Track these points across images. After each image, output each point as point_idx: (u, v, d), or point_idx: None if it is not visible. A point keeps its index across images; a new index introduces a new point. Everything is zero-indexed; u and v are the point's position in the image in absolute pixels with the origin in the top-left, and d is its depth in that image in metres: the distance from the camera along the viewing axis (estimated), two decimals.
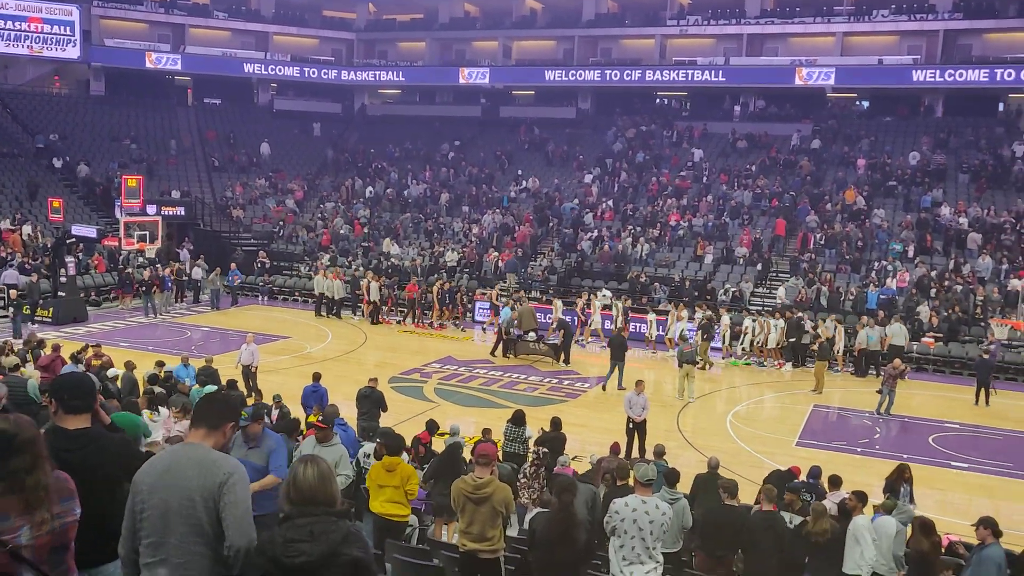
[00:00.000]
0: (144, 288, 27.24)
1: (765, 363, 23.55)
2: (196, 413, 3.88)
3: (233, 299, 29.51)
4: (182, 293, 29.84)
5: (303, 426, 11.30)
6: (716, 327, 23.69)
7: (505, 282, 29.44)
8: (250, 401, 14.86)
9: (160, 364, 15.21)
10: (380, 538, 8.01)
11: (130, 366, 14.74)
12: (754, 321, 23.91)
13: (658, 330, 24.77)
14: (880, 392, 19.07)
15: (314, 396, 14.06)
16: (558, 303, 26.13)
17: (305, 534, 3.23)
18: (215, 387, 13.57)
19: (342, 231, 34.81)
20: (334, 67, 46.71)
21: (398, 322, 27.55)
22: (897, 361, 19.38)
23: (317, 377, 14.66)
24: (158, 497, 3.54)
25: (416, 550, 8.01)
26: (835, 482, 10.34)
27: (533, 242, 32.22)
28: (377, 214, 36.72)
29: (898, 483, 11.22)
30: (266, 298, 30.80)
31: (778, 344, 23.38)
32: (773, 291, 27.59)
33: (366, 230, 34.95)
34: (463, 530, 7.01)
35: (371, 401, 13.76)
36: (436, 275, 29.68)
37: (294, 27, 46.88)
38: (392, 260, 31.33)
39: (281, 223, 36.15)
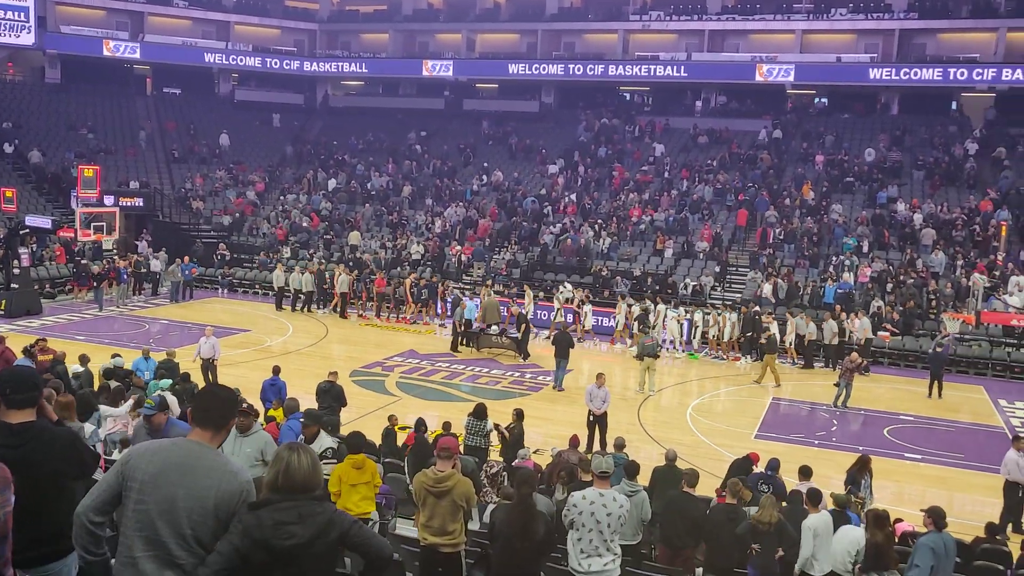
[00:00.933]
0: (96, 281, 26.75)
1: (724, 357, 23.83)
2: (201, 412, 3.68)
3: (188, 292, 29.04)
4: (140, 285, 29.40)
5: (262, 420, 11.20)
6: (652, 318, 23.90)
7: (470, 274, 29.44)
8: None
9: (116, 357, 14.99)
10: None
11: (84, 360, 14.50)
12: (707, 315, 24.18)
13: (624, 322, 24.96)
14: (837, 385, 19.39)
15: (272, 390, 13.94)
16: (529, 294, 26.20)
17: (294, 516, 3.32)
18: (171, 381, 13.40)
19: (304, 223, 34.54)
20: (296, 58, 46.25)
21: (359, 315, 27.37)
22: (855, 355, 19.71)
23: (276, 371, 14.55)
24: (162, 493, 3.40)
25: None
26: (805, 472, 10.48)
27: (501, 235, 32.18)
28: (337, 206, 36.46)
29: (860, 475, 11.43)
30: (226, 291, 30.48)
31: (731, 338, 23.69)
32: (736, 285, 27.96)
33: (324, 223, 34.64)
34: (424, 524, 7.01)
35: (331, 395, 13.70)
36: (400, 268, 29.60)
37: (256, 17, 46.33)
38: (357, 254, 31.14)
39: (239, 214, 35.75)
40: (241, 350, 21.79)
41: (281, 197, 37.85)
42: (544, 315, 26.15)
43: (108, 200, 30.52)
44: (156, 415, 6.63)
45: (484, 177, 37.58)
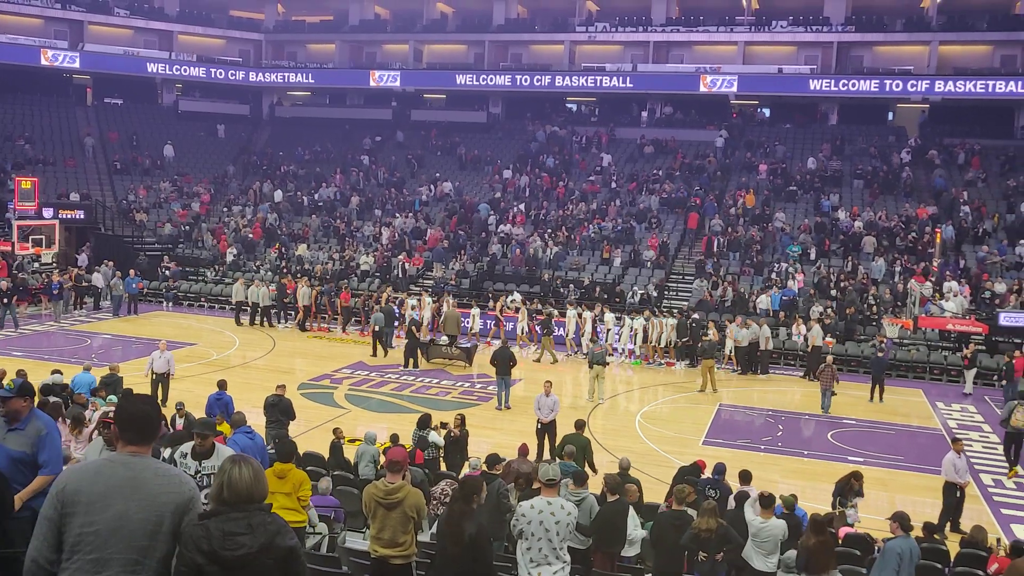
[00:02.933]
0: (6, 297, 24.98)
1: (659, 362, 24.24)
2: (127, 425, 3.59)
3: (133, 305, 28.43)
4: (81, 299, 28.73)
5: None
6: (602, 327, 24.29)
7: (432, 272, 29.34)
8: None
9: (55, 373, 14.64)
10: None
11: (21, 375, 14.10)
12: (647, 321, 24.50)
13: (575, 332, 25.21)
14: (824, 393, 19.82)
15: (219, 404, 13.72)
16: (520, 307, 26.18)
17: (243, 527, 3.31)
18: (115, 397, 13.13)
19: (250, 236, 34.12)
20: (242, 68, 45.75)
21: (320, 329, 27.00)
22: (829, 358, 20.27)
23: (223, 385, 14.32)
24: (114, 511, 3.34)
25: (324, 558, 7.94)
26: (745, 477, 10.68)
27: (454, 246, 32.17)
28: (288, 218, 36.11)
29: (848, 489, 11.76)
30: (171, 304, 29.95)
31: (667, 344, 24.09)
32: (682, 293, 28.36)
33: (262, 237, 34.15)
34: (374, 536, 6.97)
35: (279, 409, 13.54)
36: (348, 280, 29.43)
37: (200, 27, 45.72)
38: (304, 265, 30.85)
39: (188, 226, 35.19)
40: (187, 364, 21.39)
41: (227, 209, 37.35)
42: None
43: (47, 212, 29.83)
44: (12, 399, 5.51)
45: (433, 187, 37.55)
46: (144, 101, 45.06)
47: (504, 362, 18.82)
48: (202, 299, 30.52)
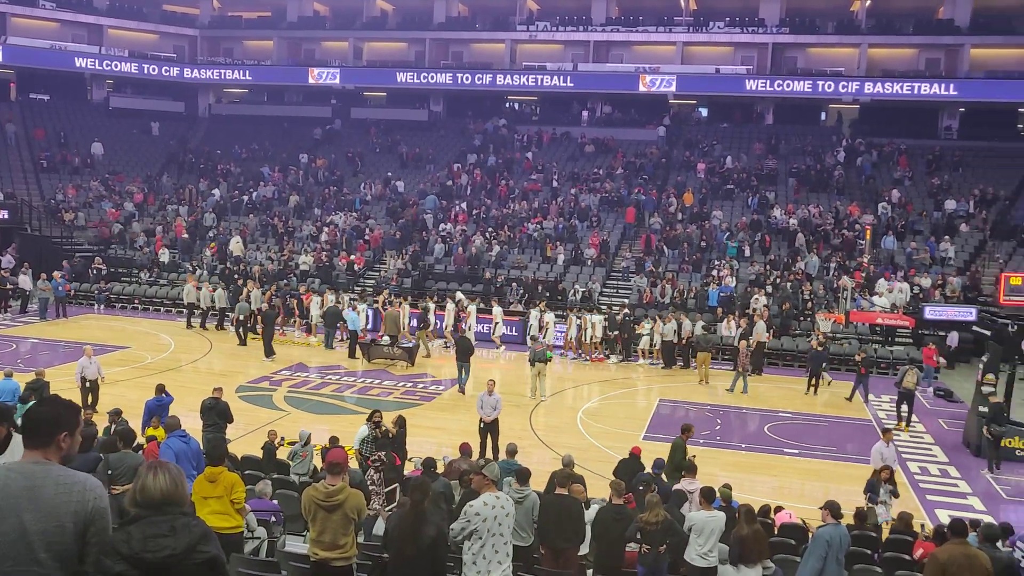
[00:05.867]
0: None
1: (588, 358, 24.62)
2: (25, 431, 3.50)
3: (61, 308, 27.62)
4: (6, 303, 27.84)
5: (142, 439, 10.82)
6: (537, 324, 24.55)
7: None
8: (90, 417, 14.04)
9: None
10: None
11: None
12: (579, 318, 24.76)
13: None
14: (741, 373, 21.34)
15: (157, 408, 13.46)
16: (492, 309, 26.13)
17: (166, 529, 3.23)
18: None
19: (185, 236, 33.44)
20: (176, 64, 44.83)
21: (279, 333, 26.52)
22: (742, 344, 21.48)
23: (160, 389, 14.05)
24: (11, 522, 3.20)
25: (263, 563, 7.84)
26: (690, 469, 10.85)
27: (392, 244, 31.98)
28: (225, 217, 35.50)
29: (878, 484, 12.28)
30: (103, 307, 29.20)
31: (595, 339, 24.44)
32: (622, 291, 28.67)
33: (185, 235, 33.44)
34: (314, 539, 6.90)
35: (216, 412, 13.30)
36: (287, 280, 29.05)
37: (131, 21, 44.61)
38: (241, 265, 30.35)
39: (121, 226, 34.32)
40: (119, 368, 20.91)
41: (162, 209, 36.55)
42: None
43: None
44: None
45: (373, 186, 37.29)
46: (73, 97, 43.88)
47: (464, 350, 19.96)
48: (136, 301, 29.82)
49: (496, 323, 25.57)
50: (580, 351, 24.90)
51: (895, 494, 12.43)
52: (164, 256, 31.84)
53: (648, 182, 35.27)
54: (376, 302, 26.06)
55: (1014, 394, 18.23)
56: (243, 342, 24.71)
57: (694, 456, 12.69)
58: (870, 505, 11.95)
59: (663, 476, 11.43)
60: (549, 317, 24.87)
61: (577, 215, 33.09)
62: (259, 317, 24.59)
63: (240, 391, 19.22)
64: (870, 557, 9.68)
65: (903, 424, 18.75)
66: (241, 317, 24.75)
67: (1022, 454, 16.68)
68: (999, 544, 9.13)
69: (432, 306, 25.62)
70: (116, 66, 43.17)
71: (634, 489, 10.33)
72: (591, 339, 24.53)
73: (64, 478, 3.36)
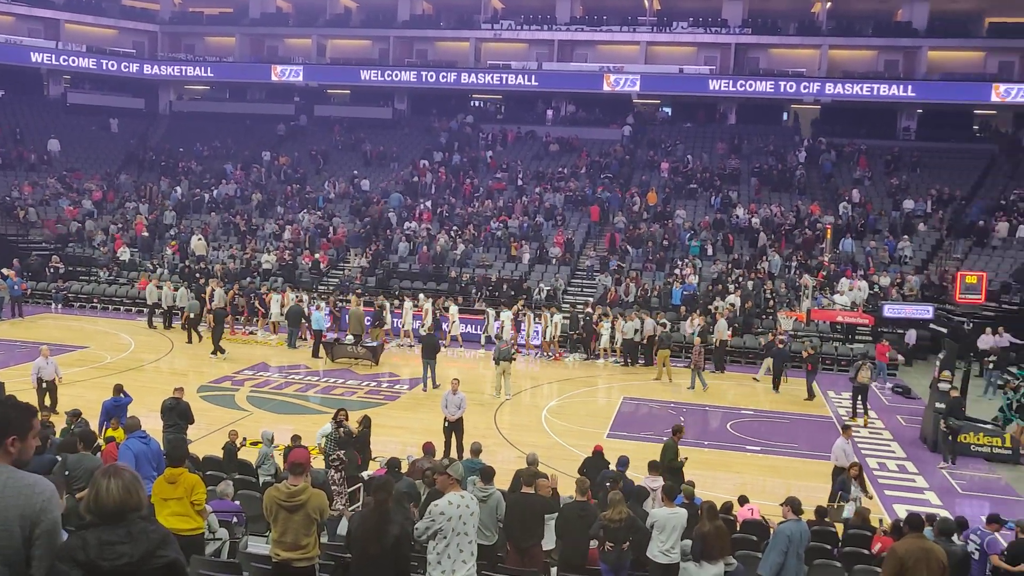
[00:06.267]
0: None
1: (548, 355, 24.81)
2: None
3: (17, 308, 27.06)
4: None
5: (100, 440, 10.64)
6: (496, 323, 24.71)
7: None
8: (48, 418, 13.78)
9: None
10: None
11: None
12: (538, 316, 24.89)
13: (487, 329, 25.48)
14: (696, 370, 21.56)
15: (115, 409, 13.25)
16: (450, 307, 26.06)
17: (123, 535, 3.17)
18: None
19: (144, 234, 32.96)
20: (136, 60, 44.13)
21: (248, 333, 26.24)
22: (697, 340, 21.93)
23: (118, 389, 13.83)
24: None
25: (225, 564, 7.76)
26: (653, 467, 10.92)
27: (355, 242, 31.80)
28: (187, 215, 35.04)
29: (848, 480, 12.33)
30: (60, 306, 28.69)
31: (554, 337, 24.63)
32: (587, 289, 28.79)
33: (145, 233, 32.99)
34: (276, 539, 6.85)
35: (176, 413, 13.12)
36: (250, 279, 28.75)
37: (90, 16, 43.86)
38: (203, 264, 29.98)
39: (81, 223, 33.68)
40: (78, 368, 20.57)
41: (122, 207, 35.98)
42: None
43: None
44: None
45: (337, 184, 37.03)
46: (29, 93, 43.04)
47: (430, 348, 20.20)
48: (95, 300, 29.33)
49: (453, 322, 25.54)
50: (539, 348, 24.95)
51: (865, 491, 12.57)
52: (124, 255, 31.34)
53: (612, 180, 35.47)
54: (348, 302, 25.85)
55: (969, 390, 18.62)
56: (190, 339, 24.50)
57: (686, 458, 12.82)
58: (841, 503, 12.08)
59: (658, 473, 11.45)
60: (505, 315, 24.94)
61: (542, 214, 33.16)
62: (211, 316, 24.51)
63: (202, 391, 19.01)
64: (830, 552, 9.83)
65: (856, 419, 19.08)
66: (192, 315, 24.54)
67: (977, 449, 17.02)
68: (955, 538, 9.33)
69: (388, 304, 25.57)
70: (74, 61, 42.38)
71: (600, 486, 10.39)
72: (552, 337, 24.60)
73: (13, 481, 3.30)
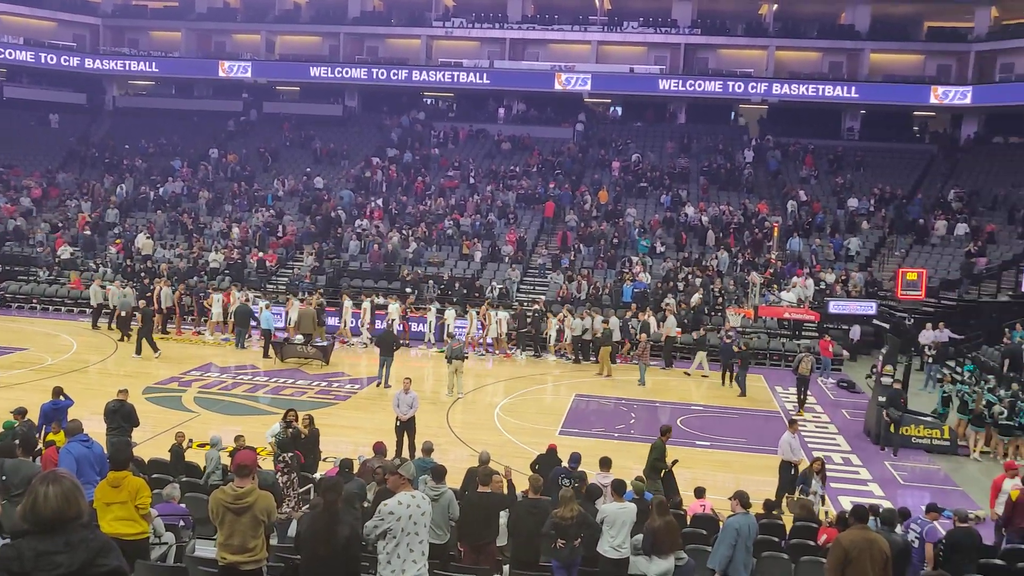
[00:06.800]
0: None
1: (495, 352, 24.99)
2: None
3: None
4: None
5: (41, 445, 10.38)
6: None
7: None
8: None
9: None
10: None
11: None
12: (479, 314, 25.00)
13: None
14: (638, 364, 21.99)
15: (55, 412, 12.91)
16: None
17: (60, 545, 3.06)
18: None
19: (87, 232, 32.19)
20: (77, 54, 43.08)
21: (196, 333, 25.77)
22: (643, 336, 22.44)
23: (57, 391, 13.47)
24: None
25: (171, 569, 7.63)
26: (605, 464, 10.98)
27: (306, 241, 31.45)
28: (132, 213, 34.31)
29: (810, 475, 12.44)
30: None
31: (499, 335, 24.76)
32: (539, 287, 28.87)
33: (88, 231, 32.28)
34: (223, 543, 6.74)
35: (121, 415, 12.84)
36: (197, 278, 28.27)
37: (26, 7, 42.56)
38: (149, 263, 29.38)
39: (20, 221, 32.76)
40: (17, 371, 20.03)
41: (63, 204, 35.10)
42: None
43: None
44: None
45: (286, 182, 36.58)
46: None
47: (387, 344, 20.24)
48: (34, 301, 28.59)
49: (391, 319, 25.36)
50: (488, 346, 25.05)
51: (822, 483, 12.74)
52: (65, 253, 30.59)
53: (564, 178, 35.62)
54: (301, 301, 25.54)
55: (911, 384, 19.07)
56: (123, 338, 24.14)
57: (676, 460, 12.86)
58: (802, 497, 12.23)
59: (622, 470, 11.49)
60: (449, 314, 24.92)
61: (494, 212, 33.16)
62: (175, 314, 24.21)
63: (147, 392, 18.64)
64: (777, 544, 9.99)
65: (803, 410, 19.81)
66: (123, 314, 24.25)
67: (918, 441, 17.46)
68: (897, 528, 9.56)
69: (323, 302, 25.44)
70: (10, 54, 41.24)
71: (553, 483, 10.43)
72: (499, 335, 24.68)
73: None
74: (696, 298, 26.31)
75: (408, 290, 27.38)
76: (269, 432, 12.52)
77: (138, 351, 22.37)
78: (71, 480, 3.29)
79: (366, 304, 25.41)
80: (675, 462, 12.88)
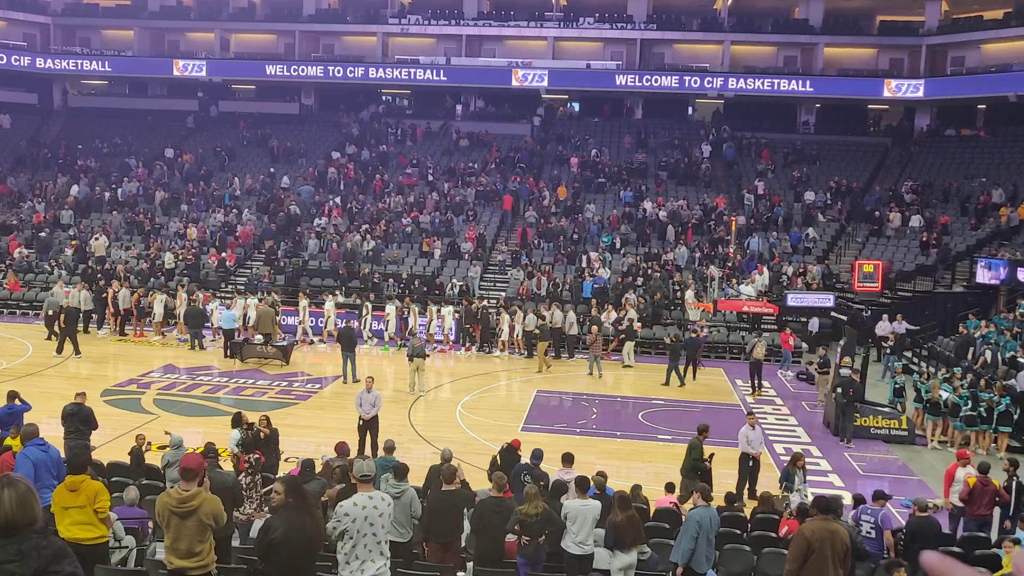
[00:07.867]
0: None
1: (444, 348, 25.16)
2: None
3: None
4: None
5: None
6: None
7: (231, 282, 28.29)
8: None
9: None
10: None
11: None
12: (438, 310, 25.12)
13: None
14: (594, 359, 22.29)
15: (10, 417, 12.65)
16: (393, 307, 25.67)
17: (12, 553, 2.98)
18: None
19: (43, 234, 31.55)
20: (27, 53, 42.15)
21: (124, 332, 25.39)
22: (595, 328, 22.80)
23: (12, 396, 13.20)
24: None
25: (132, 573, 7.55)
26: (567, 459, 11.04)
27: (264, 240, 31.13)
28: (87, 214, 33.69)
29: (793, 471, 12.51)
30: None
31: (446, 331, 24.99)
32: (499, 283, 28.89)
33: (43, 233, 31.63)
34: (169, 547, 6.68)
35: (78, 418, 12.66)
36: (153, 279, 27.86)
37: None
38: (106, 265, 28.87)
39: None
40: None
41: (15, 205, 34.36)
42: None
43: None
44: None
45: (242, 180, 36.17)
46: None
47: (348, 340, 20.52)
48: None
49: (328, 317, 25.25)
50: (440, 343, 25.19)
51: (803, 479, 12.86)
52: (17, 254, 29.94)
53: (524, 171, 35.69)
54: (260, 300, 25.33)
55: (868, 375, 19.43)
56: (49, 338, 23.89)
57: (712, 455, 12.96)
58: (785, 492, 12.35)
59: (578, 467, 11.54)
60: (390, 309, 25.03)
61: (453, 209, 33.11)
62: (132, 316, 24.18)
63: (106, 395, 18.36)
64: (739, 536, 10.12)
65: (755, 393, 21.03)
66: (51, 312, 23.98)
67: (876, 432, 17.78)
68: (844, 517, 9.75)
69: (278, 299, 25.34)
70: None
71: (514, 480, 10.47)
72: (445, 330, 24.84)
73: None
74: (686, 294, 26.66)
75: (364, 288, 27.27)
76: (232, 442, 12.39)
77: (59, 350, 22.19)
78: (26, 484, 3.22)
79: (329, 304, 25.23)
80: (712, 455, 12.99)
